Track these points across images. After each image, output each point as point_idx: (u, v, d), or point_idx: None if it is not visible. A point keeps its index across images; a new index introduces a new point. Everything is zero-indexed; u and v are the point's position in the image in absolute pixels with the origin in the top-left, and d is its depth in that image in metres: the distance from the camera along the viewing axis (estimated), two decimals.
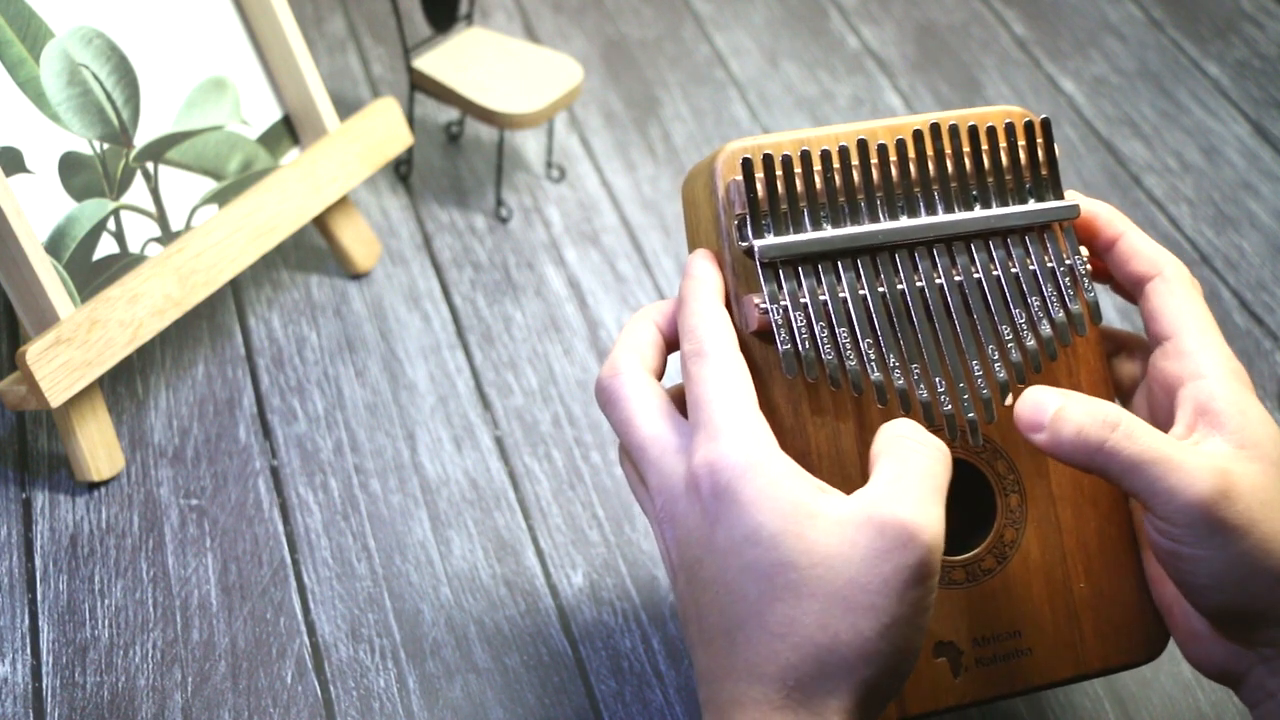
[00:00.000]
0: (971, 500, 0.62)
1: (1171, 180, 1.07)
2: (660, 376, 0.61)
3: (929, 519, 0.53)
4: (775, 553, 0.52)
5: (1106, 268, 0.64)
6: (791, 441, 0.59)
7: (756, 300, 0.58)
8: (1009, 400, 0.60)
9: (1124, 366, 0.65)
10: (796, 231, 0.58)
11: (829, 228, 0.58)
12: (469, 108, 0.95)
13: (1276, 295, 0.98)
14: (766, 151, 0.58)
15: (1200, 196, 1.05)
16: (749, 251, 0.58)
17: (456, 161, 1.04)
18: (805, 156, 0.58)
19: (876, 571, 0.52)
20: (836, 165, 0.59)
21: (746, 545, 0.53)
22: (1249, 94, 1.15)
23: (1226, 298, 0.97)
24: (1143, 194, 1.06)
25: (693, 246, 0.62)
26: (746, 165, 0.58)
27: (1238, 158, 1.09)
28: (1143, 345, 0.65)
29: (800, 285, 0.58)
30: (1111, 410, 0.55)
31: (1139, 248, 0.61)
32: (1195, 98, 1.14)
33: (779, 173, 0.58)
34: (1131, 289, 0.62)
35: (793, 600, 0.52)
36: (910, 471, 0.54)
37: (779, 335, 0.57)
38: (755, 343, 0.59)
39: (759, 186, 0.58)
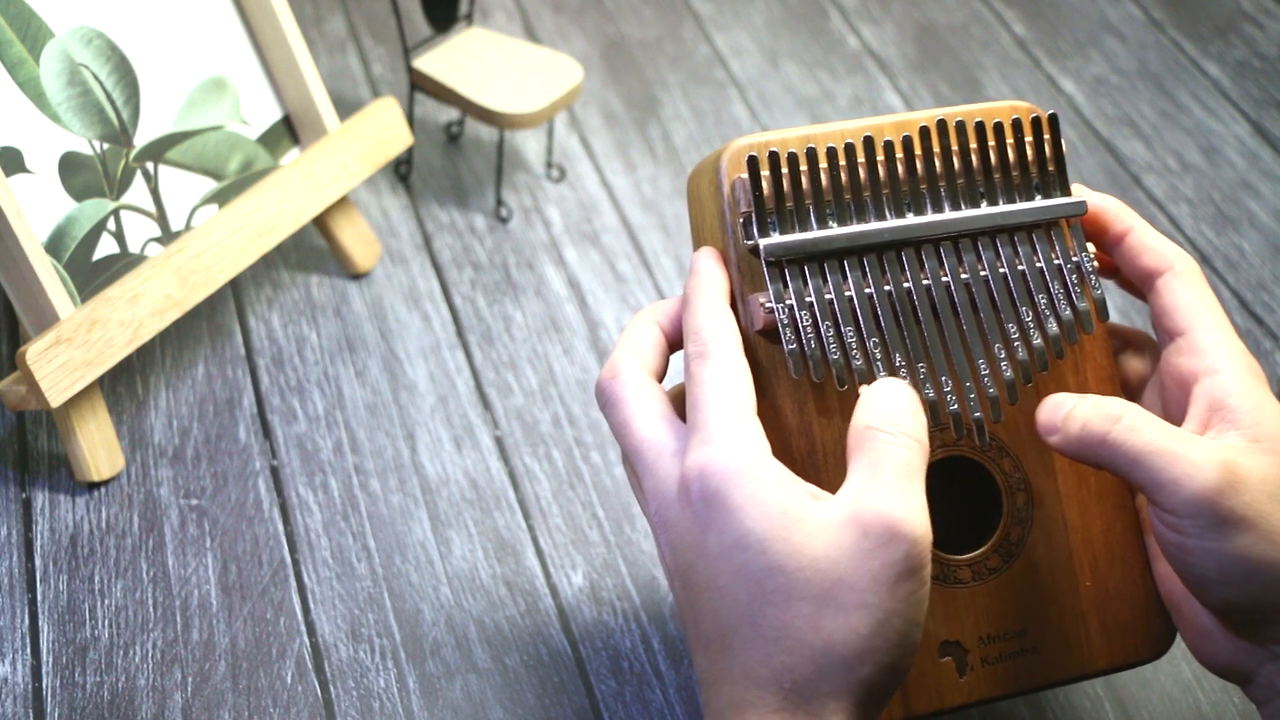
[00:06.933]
0: (978, 499, 0.62)
1: (1171, 180, 1.07)
2: (661, 378, 0.61)
3: (911, 511, 0.52)
4: (764, 557, 0.52)
5: (1112, 263, 0.63)
6: (797, 440, 0.58)
7: (762, 299, 0.58)
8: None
9: (1131, 363, 0.64)
10: (802, 229, 0.58)
11: (835, 225, 0.58)
12: (469, 108, 0.95)
13: (1276, 295, 0.98)
14: (772, 149, 0.58)
15: (1200, 196, 1.05)
16: (754, 250, 0.58)
17: (456, 161, 1.03)
18: (811, 154, 0.58)
19: (865, 569, 0.52)
20: (842, 162, 0.59)
21: (736, 550, 0.53)
22: (1249, 94, 1.15)
23: (1226, 298, 0.97)
24: (1143, 194, 1.06)
25: (698, 244, 0.62)
26: (752, 163, 0.57)
27: (1238, 158, 1.09)
28: (1149, 342, 0.65)
29: (806, 284, 0.58)
30: (1115, 404, 0.55)
31: (1149, 242, 0.61)
32: (1195, 98, 1.14)
33: (784, 170, 0.58)
34: (1140, 284, 0.62)
35: (784, 603, 0.52)
36: (886, 465, 0.53)
37: (784, 335, 0.57)
38: (761, 341, 0.59)
39: (764, 184, 0.58)
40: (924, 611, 0.53)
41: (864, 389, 0.56)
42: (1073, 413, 0.56)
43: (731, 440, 0.54)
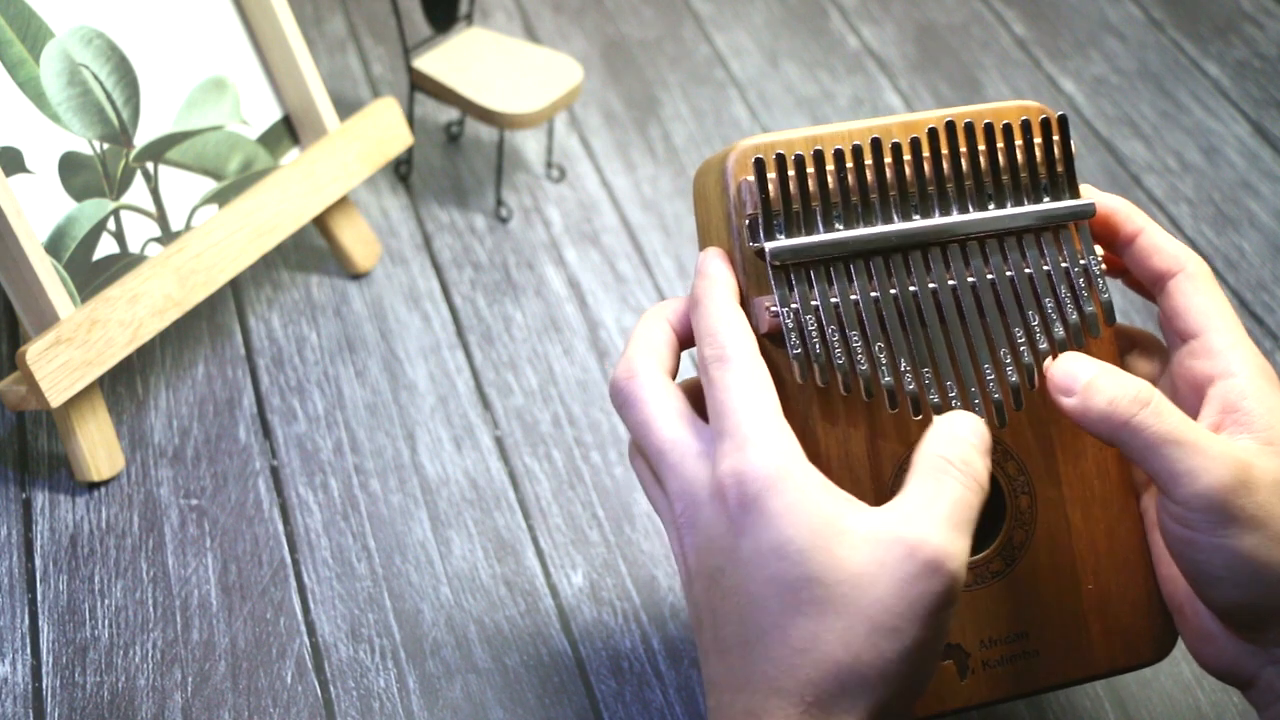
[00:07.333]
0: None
1: (1171, 180, 1.07)
2: (674, 376, 0.60)
3: (958, 549, 0.52)
4: (802, 567, 0.52)
5: (1121, 263, 0.63)
6: (802, 445, 0.58)
7: (767, 303, 0.57)
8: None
9: (1138, 365, 0.64)
10: (809, 232, 0.57)
11: (841, 228, 0.58)
12: (469, 108, 0.95)
13: (1276, 295, 0.98)
14: (779, 151, 0.57)
15: (1200, 196, 1.05)
16: (760, 253, 0.58)
17: (456, 161, 1.03)
18: (818, 156, 0.58)
19: (904, 595, 0.51)
20: (850, 164, 0.58)
21: (773, 558, 0.52)
22: (1249, 94, 1.15)
23: (1227, 298, 0.97)
24: (1143, 194, 1.06)
25: (704, 243, 0.62)
26: (759, 165, 0.57)
27: (1238, 158, 1.09)
28: (1157, 344, 0.64)
29: (812, 288, 0.57)
30: (1144, 387, 0.55)
31: (1160, 244, 0.61)
32: (1195, 98, 1.14)
33: (791, 173, 0.57)
34: (1151, 285, 0.61)
35: (817, 616, 0.51)
36: (947, 498, 0.53)
37: (790, 339, 0.57)
38: (767, 344, 0.58)
39: (771, 187, 0.57)
40: (945, 640, 0.53)
41: (941, 418, 0.56)
42: (1097, 384, 0.55)
43: (767, 445, 0.53)
